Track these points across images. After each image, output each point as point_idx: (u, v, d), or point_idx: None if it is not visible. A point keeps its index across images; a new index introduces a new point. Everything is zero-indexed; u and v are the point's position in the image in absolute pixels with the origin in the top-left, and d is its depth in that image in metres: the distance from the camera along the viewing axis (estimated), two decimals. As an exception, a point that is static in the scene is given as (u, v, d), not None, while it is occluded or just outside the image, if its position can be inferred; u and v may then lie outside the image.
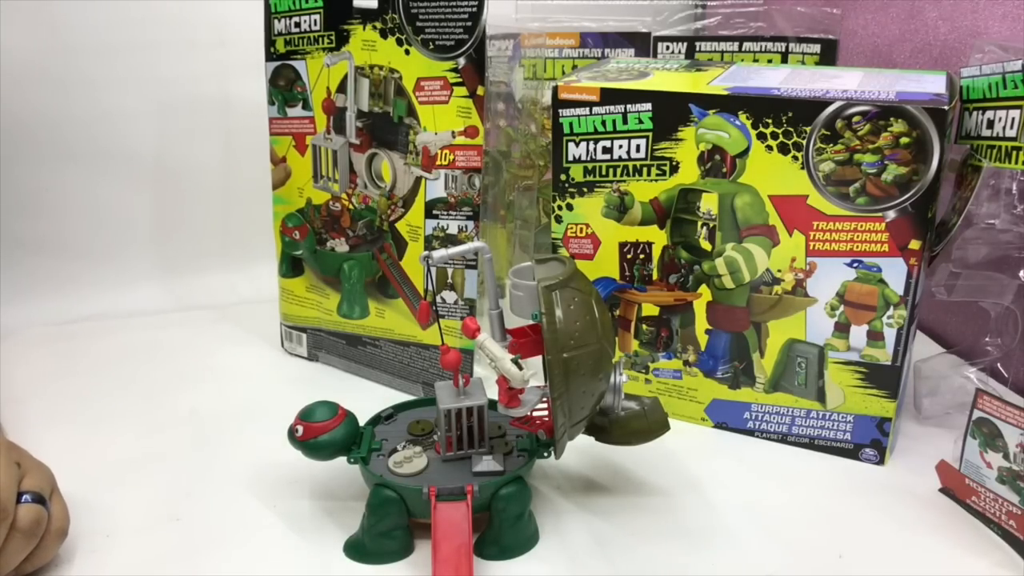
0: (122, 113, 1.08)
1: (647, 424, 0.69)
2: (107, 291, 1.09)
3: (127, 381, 0.91)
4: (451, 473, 0.66)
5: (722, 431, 0.83)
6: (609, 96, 0.76)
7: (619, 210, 0.80)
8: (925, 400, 0.83)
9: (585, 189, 0.80)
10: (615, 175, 0.78)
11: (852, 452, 0.78)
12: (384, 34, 0.81)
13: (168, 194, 1.13)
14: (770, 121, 0.72)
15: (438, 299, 0.85)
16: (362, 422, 0.70)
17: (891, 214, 0.70)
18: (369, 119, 0.85)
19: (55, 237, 1.09)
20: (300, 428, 0.67)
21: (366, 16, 0.82)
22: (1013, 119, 0.70)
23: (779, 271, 0.76)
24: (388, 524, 0.64)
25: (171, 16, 1.06)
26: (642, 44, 1.04)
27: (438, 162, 0.82)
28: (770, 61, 0.99)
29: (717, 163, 0.75)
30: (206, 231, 1.16)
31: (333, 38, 0.85)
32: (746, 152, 0.73)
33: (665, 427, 0.70)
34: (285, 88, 0.89)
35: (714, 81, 0.77)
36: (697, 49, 1.02)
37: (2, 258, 1.05)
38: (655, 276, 0.81)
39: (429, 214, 0.83)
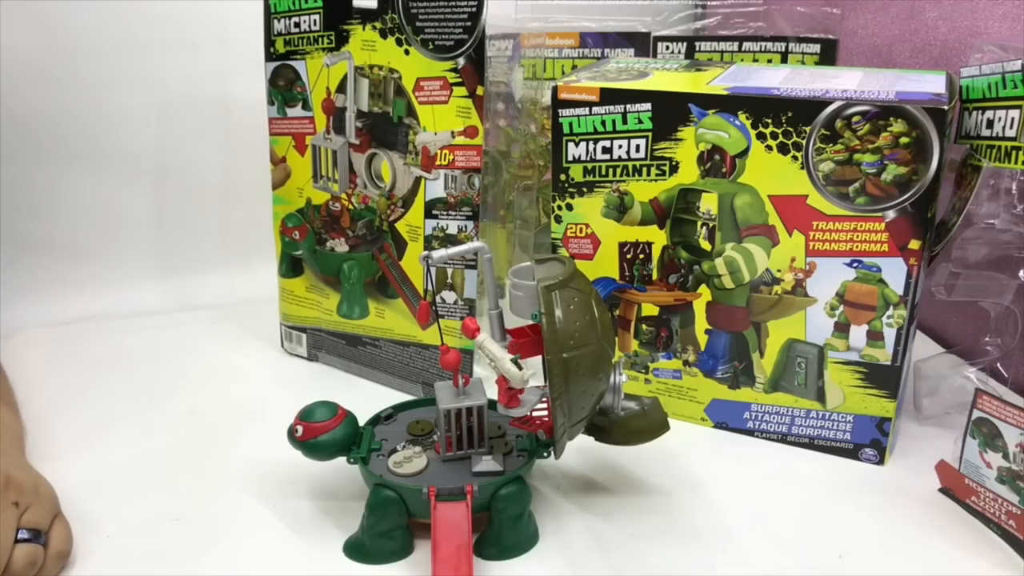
0: (122, 113, 1.08)
1: (647, 424, 0.69)
2: (107, 291, 1.09)
3: (127, 381, 0.91)
4: (451, 473, 0.66)
5: (722, 431, 0.83)
6: (609, 96, 0.76)
7: (619, 210, 0.79)
8: (925, 400, 0.83)
9: (585, 189, 0.80)
10: (615, 175, 0.78)
11: (852, 452, 0.78)
12: (384, 34, 0.81)
13: (168, 194, 1.13)
14: (770, 121, 0.72)
15: (438, 299, 0.85)
16: (362, 422, 0.70)
17: (891, 214, 0.70)
18: (369, 119, 0.85)
19: (55, 237, 1.09)
20: (300, 428, 0.67)
21: (366, 16, 0.82)
22: (1013, 119, 0.70)
23: (779, 271, 0.76)
24: (388, 524, 0.64)
25: (171, 16, 1.06)
26: (642, 44, 1.04)
27: (438, 162, 0.81)
28: (770, 61, 0.99)
29: (717, 163, 0.75)
30: (206, 231, 1.15)
31: (333, 38, 0.85)
32: (746, 152, 0.73)
33: (665, 427, 0.70)
34: (285, 88, 0.89)
35: (714, 81, 0.77)
36: (697, 49, 1.02)
37: (2, 258, 1.05)
38: (655, 276, 0.81)
39: (429, 214, 0.83)
